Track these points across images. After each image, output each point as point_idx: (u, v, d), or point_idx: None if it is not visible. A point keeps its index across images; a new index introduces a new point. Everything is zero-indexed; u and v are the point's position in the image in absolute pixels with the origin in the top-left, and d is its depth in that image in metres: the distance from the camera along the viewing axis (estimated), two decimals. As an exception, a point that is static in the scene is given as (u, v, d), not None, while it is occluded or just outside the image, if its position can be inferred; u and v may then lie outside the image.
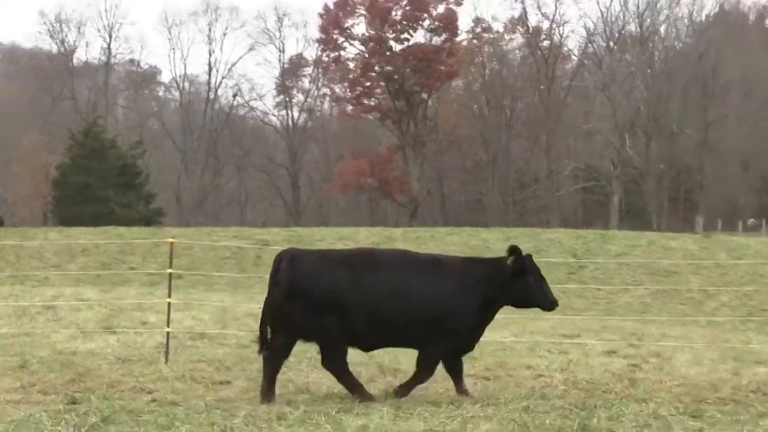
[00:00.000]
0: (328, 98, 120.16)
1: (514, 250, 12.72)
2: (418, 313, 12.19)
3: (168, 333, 16.63)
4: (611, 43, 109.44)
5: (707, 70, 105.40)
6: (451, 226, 71.85)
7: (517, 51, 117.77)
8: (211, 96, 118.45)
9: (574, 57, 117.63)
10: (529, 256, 12.88)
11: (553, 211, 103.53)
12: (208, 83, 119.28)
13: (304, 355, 16.54)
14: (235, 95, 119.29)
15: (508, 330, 24.74)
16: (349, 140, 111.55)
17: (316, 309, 12.02)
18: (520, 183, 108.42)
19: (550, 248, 54.28)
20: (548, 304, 12.94)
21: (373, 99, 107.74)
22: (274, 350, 12.32)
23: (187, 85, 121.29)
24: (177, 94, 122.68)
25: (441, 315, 12.27)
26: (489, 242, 56.61)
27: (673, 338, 23.96)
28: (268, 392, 12.16)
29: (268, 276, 12.33)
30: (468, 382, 13.73)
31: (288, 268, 12.19)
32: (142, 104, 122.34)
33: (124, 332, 19.31)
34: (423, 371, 12.55)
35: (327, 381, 13.81)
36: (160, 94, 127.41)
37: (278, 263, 12.35)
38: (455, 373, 12.90)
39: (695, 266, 51.43)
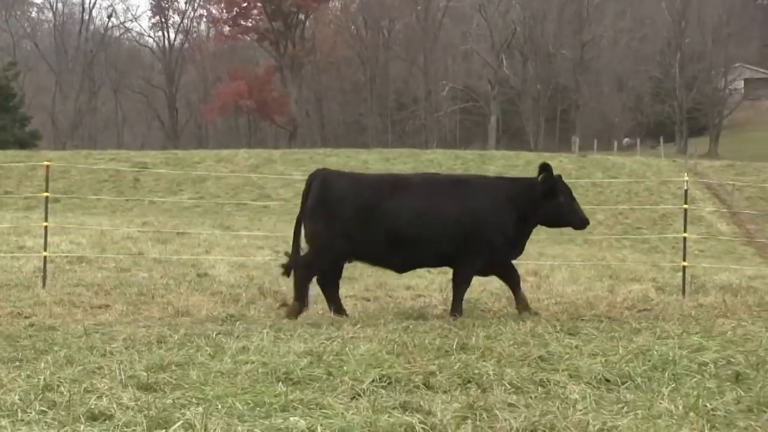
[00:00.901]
0: (204, 19, 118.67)
1: (545, 168, 12.88)
2: (449, 232, 12.41)
3: (45, 257, 16.36)
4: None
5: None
6: (330, 147, 71.78)
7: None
8: (86, 17, 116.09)
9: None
10: (560, 177, 13.08)
11: (432, 132, 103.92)
12: (82, 4, 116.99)
13: (184, 278, 16.44)
14: (109, 16, 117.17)
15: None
16: (226, 62, 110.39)
17: (333, 228, 12.29)
18: (399, 104, 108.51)
19: (429, 168, 54.58)
20: (580, 222, 13.24)
21: (250, 20, 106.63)
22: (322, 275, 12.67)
23: (60, 6, 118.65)
24: (50, 15, 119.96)
25: (472, 233, 12.48)
26: (368, 163, 56.74)
27: (550, 257, 24.31)
28: (337, 311, 12.63)
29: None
30: (348, 303, 13.77)
31: (318, 188, 12.45)
32: (15, 25, 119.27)
33: (0, 257, 18.95)
34: (460, 287, 12.73)
35: (207, 304, 13.74)
36: (33, 15, 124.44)
37: (310, 182, 12.59)
38: (513, 282, 13.00)
39: (572, 185, 52.10)
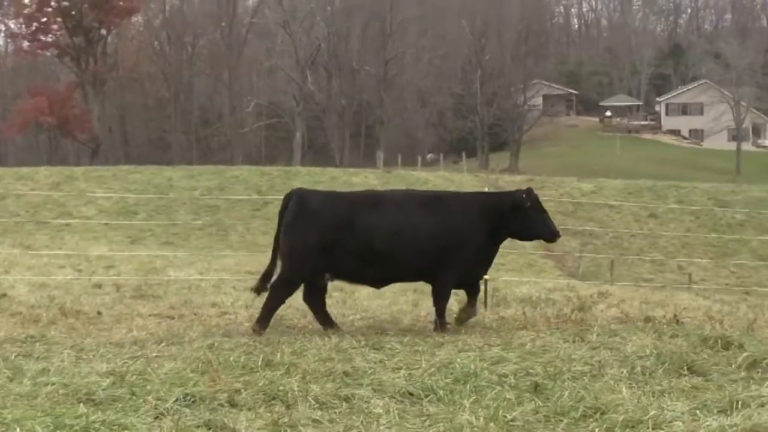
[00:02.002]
0: (2, 34, 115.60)
1: (529, 192, 13.13)
2: (423, 247, 12.51)
3: None
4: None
5: (385, 8, 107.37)
6: (134, 164, 70.65)
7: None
8: None
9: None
10: (530, 190, 13.22)
11: (237, 148, 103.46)
12: None
13: (-19, 301, 15.97)
14: None
15: (193, 268, 24.65)
16: (26, 78, 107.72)
17: (309, 245, 12.38)
18: (204, 120, 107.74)
19: (234, 185, 54.34)
20: (550, 234, 13.29)
21: (50, 35, 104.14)
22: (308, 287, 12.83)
23: None
24: None
25: (447, 249, 12.59)
26: (173, 180, 56.10)
27: (355, 271, 24.40)
28: (324, 323, 12.78)
29: None
30: (151, 322, 13.60)
31: (295, 206, 12.58)
32: None
33: None
34: (440, 302, 12.88)
35: (5, 325, 13.37)
36: None
37: (286, 201, 12.73)
38: (473, 297, 13.21)
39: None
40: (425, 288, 19.98)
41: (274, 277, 12.71)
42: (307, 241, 12.44)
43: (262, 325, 12.46)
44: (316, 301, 12.97)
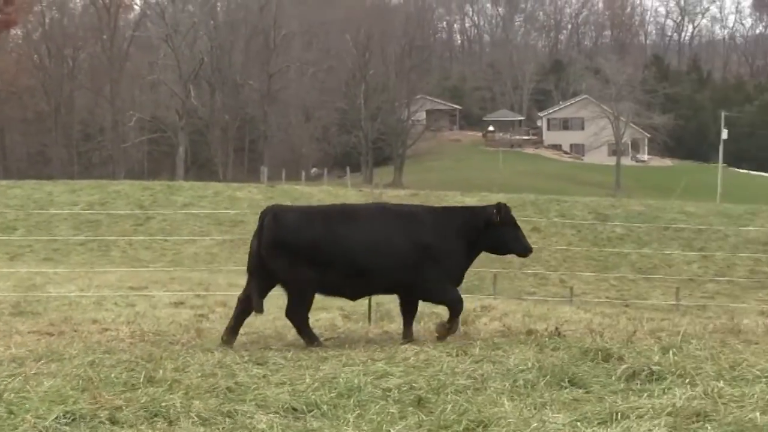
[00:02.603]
0: None
1: (500, 206, 13.20)
2: (397, 262, 12.67)
3: None
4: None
5: (269, 22, 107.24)
6: (13, 179, 69.43)
7: (78, 0, 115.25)
8: None
9: (136, 7, 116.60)
10: (504, 205, 13.29)
11: (119, 163, 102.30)
12: None
13: None
14: None
15: (73, 284, 24.30)
16: None
17: (296, 262, 12.49)
18: (85, 134, 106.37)
19: (116, 200, 53.70)
20: (523, 249, 13.46)
21: None
22: (247, 295, 12.89)
23: None
24: None
25: (421, 262, 12.71)
26: (54, 195, 55.25)
27: (239, 287, 24.28)
28: (231, 335, 12.80)
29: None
30: (30, 339, 13.36)
31: (271, 223, 12.63)
32: None
33: None
34: (452, 308, 13.00)
35: None
36: None
37: (262, 219, 12.73)
38: (409, 316, 13.26)
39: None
40: (317, 302, 19.98)
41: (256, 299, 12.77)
42: (291, 255, 12.55)
43: (315, 343, 12.60)
44: (244, 309, 12.99)
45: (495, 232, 13.18)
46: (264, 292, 12.89)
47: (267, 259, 12.67)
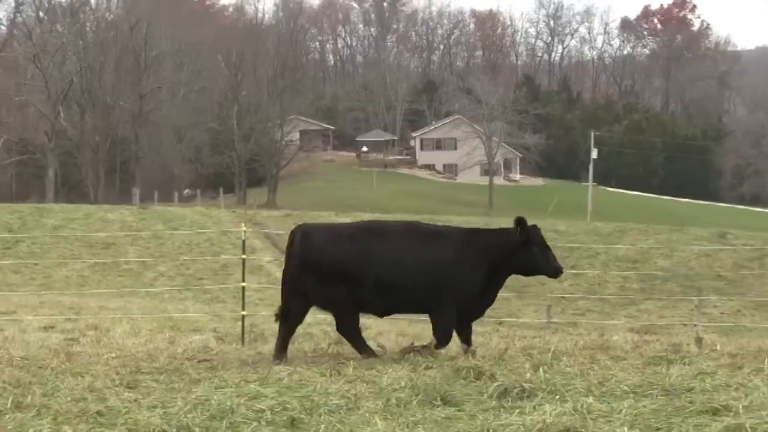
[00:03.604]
0: None
1: (520, 221, 13.10)
2: (421, 281, 12.74)
3: None
4: (41, 14, 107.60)
5: (139, 42, 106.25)
6: None
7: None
8: None
9: (2, 27, 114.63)
10: (534, 226, 13.20)
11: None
12: None
13: None
14: None
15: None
16: None
17: (326, 280, 12.73)
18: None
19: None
20: (553, 271, 13.32)
21: None
22: (288, 316, 13.13)
23: None
24: None
25: (442, 283, 12.75)
26: None
27: (111, 310, 24.05)
28: (280, 353, 12.95)
29: None
30: None
31: (300, 243, 12.95)
32: None
33: None
34: (439, 335, 12.93)
35: None
36: None
37: (292, 238, 13.05)
38: (464, 338, 13.25)
39: (132, 237, 51.83)
40: (182, 325, 19.83)
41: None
42: (324, 273, 12.76)
43: (368, 353, 12.77)
44: (291, 326, 13.27)
45: (523, 253, 13.14)
46: (300, 310, 13.17)
47: (298, 278, 12.96)
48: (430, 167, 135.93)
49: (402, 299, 13.02)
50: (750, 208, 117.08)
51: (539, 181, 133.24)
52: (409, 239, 13.12)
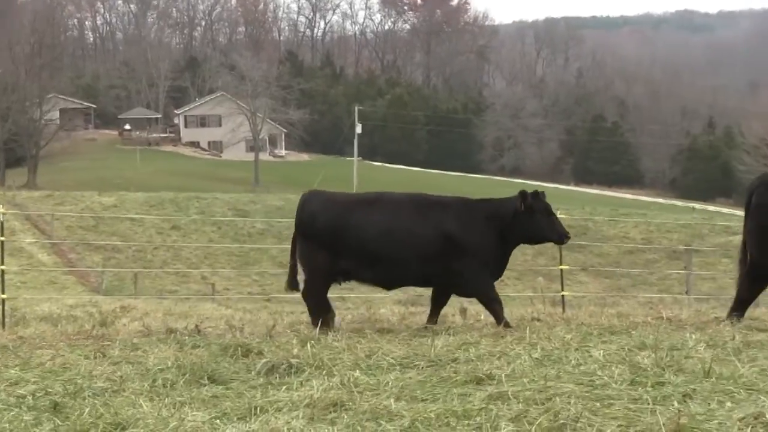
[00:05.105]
0: None
1: (522, 194, 12.96)
2: (422, 252, 12.65)
3: None
4: None
5: None
6: None
7: None
8: None
9: None
10: (536, 192, 13.06)
11: None
12: None
13: None
14: None
15: None
16: None
17: (311, 246, 12.77)
18: None
19: None
20: (558, 236, 13.18)
21: None
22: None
23: None
24: None
25: (446, 253, 12.63)
26: None
27: None
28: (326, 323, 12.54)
29: None
30: None
31: (300, 208, 13.03)
32: None
33: None
34: (489, 304, 12.89)
35: None
36: None
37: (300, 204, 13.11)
38: (437, 305, 13.29)
39: None
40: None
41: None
42: (312, 245, 12.85)
43: (317, 324, 12.56)
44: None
45: (527, 220, 12.96)
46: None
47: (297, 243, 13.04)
48: (194, 144, 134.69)
49: (407, 271, 12.89)
50: (510, 179, 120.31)
51: (305, 157, 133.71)
52: (415, 210, 13.00)
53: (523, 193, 13.05)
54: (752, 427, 6.76)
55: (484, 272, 12.96)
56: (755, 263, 12.92)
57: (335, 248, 12.76)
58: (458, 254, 12.78)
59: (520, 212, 12.94)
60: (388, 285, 13.53)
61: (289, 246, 13.32)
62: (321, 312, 12.82)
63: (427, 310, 13.62)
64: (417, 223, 12.83)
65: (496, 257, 13.09)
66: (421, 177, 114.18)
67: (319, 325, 12.43)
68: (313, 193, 13.39)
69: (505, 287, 13.99)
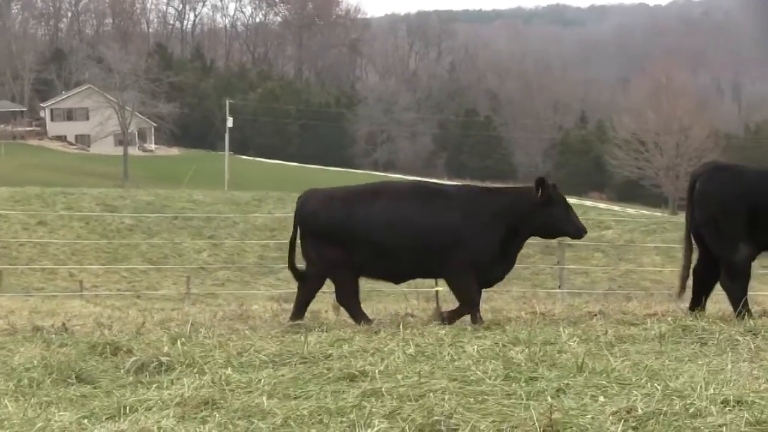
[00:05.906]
0: None
1: (540, 181, 12.30)
2: (427, 244, 12.24)
3: None
4: None
5: None
6: None
7: None
8: None
9: None
10: (554, 186, 12.41)
11: None
12: None
13: None
14: None
15: None
16: None
17: (320, 245, 12.47)
18: None
19: None
20: (576, 231, 12.61)
21: None
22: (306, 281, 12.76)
23: None
24: None
25: (452, 246, 12.20)
26: None
27: None
28: (296, 315, 12.63)
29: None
30: None
31: (299, 207, 12.78)
32: None
33: None
34: (462, 301, 12.37)
35: None
36: None
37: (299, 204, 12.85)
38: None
39: None
40: None
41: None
42: (313, 237, 12.64)
43: (363, 322, 12.19)
44: (307, 294, 12.88)
45: (542, 213, 12.34)
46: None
47: (304, 246, 12.77)
48: (61, 138, 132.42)
49: (412, 264, 12.51)
50: (386, 174, 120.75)
51: (175, 151, 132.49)
52: (417, 201, 12.55)
53: (541, 181, 12.40)
54: (624, 421, 6.83)
55: (473, 271, 12.38)
56: (727, 260, 11.87)
57: (345, 243, 12.42)
58: (455, 246, 12.30)
59: (537, 202, 12.33)
60: (398, 278, 13.16)
61: (158, 241, 13.20)
62: (362, 314, 12.54)
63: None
64: (423, 213, 12.42)
65: (495, 254, 12.43)
66: (294, 172, 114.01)
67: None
68: (310, 192, 13.13)
69: (381, 283, 13.92)
